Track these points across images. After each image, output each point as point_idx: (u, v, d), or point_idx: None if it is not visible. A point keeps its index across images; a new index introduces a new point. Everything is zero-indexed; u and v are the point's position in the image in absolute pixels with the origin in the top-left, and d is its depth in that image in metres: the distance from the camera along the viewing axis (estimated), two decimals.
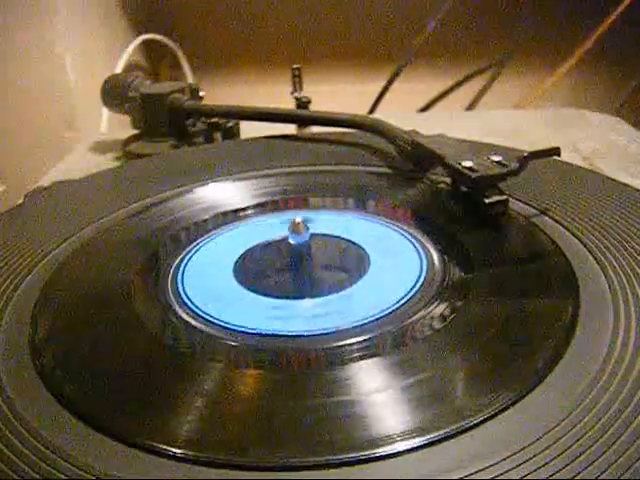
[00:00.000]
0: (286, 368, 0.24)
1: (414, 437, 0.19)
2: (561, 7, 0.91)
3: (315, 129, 0.52)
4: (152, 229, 0.34)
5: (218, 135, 0.54)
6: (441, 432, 0.19)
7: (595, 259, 0.28)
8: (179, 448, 0.19)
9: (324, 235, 0.33)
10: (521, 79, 0.95)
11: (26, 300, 0.28)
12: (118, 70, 0.79)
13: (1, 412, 0.21)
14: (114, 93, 0.57)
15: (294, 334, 0.26)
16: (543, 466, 0.18)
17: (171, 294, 0.29)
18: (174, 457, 0.19)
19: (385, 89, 0.88)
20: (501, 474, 0.18)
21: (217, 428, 0.20)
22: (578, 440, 0.18)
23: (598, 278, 0.27)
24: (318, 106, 0.55)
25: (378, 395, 0.21)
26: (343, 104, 0.57)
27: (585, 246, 0.29)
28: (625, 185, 0.35)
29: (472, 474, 0.18)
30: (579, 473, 0.17)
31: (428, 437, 0.19)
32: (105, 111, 0.70)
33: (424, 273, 0.29)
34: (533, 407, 0.20)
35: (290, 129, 0.53)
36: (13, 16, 0.63)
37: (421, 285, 0.28)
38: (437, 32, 0.87)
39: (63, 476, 0.19)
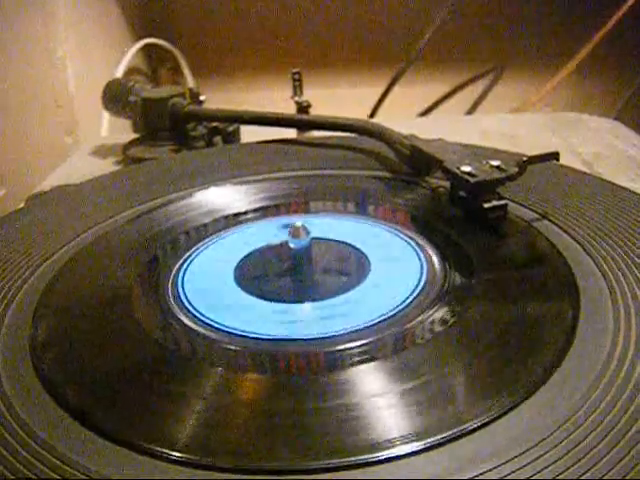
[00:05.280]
0: (286, 372, 0.24)
1: (415, 440, 0.19)
2: (561, 11, 0.92)
3: (315, 133, 0.52)
4: (153, 233, 0.34)
5: (219, 139, 0.54)
6: (443, 435, 0.19)
7: (595, 262, 0.28)
8: (180, 452, 0.19)
9: (324, 239, 0.33)
10: (520, 83, 0.95)
11: (27, 303, 0.28)
12: (119, 74, 0.79)
13: (0, 414, 0.21)
14: (115, 97, 0.57)
15: (294, 338, 0.26)
16: (547, 467, 0.18)
17: (171, 298, 0.29)
18: (175, 461, 0.19)
19: (385, 93, 0.88)
20: (506, 476, 0.18)
21: (218, 432, 0.20)
22: (582, 441, 0.18)
23: (598, 281, 0.27)
24: (318, 110, 0.55)
25: (380, 398, 0.21)
26: (343, 108, 0.57)
27: (585, 249, 0.29)
28: (624, 189, 0.35)
29: (475, 477, 0.18)
30: (584, 474, 0.17)
31: (430, 440, 0.19)
32: (106, 115, 0.70)
33: (424, 277, 0.29)
34: (535, 410, 0.20)
35: (290, 133, 0.53)
36: (13, 21, 0.63)
37: (421, 289, 0.28)
38: (437, 36, 0.87)
39: (62, 479, 0.19)
